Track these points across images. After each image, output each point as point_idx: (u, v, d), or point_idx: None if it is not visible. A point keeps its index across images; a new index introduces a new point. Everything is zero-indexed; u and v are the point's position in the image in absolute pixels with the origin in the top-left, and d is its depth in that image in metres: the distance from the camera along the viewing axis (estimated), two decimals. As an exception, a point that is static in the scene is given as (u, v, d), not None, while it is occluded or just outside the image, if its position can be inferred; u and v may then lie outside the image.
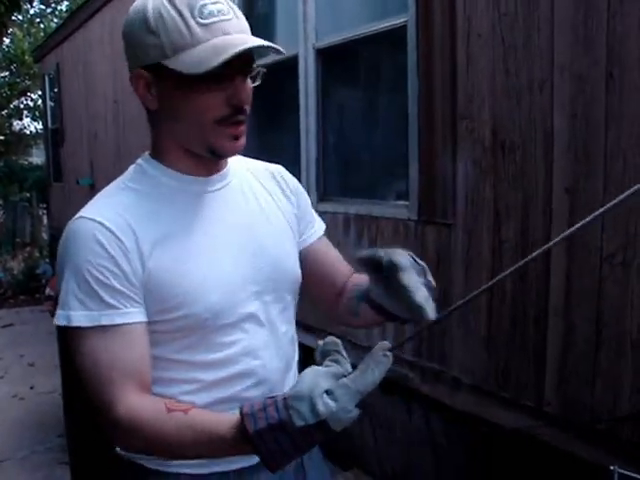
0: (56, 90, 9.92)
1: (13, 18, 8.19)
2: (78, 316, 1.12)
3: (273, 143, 4.38)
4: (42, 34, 17.67)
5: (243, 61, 1.14)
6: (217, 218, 1.26)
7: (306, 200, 1.48)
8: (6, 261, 11.56)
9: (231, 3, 1.17)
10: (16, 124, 20.12)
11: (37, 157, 21.02)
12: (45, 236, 13.75)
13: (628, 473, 1.77)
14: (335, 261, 1.50)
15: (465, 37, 2.71)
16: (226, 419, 1.05)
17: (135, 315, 1.15)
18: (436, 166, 2.87)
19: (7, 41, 17.57)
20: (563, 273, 2.36)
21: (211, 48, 1.09)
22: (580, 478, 2.30)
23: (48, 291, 4.09)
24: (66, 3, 18.99)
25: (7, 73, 18.55)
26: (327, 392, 0.97)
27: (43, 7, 19.03)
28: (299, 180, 1.50)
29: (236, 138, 1.19)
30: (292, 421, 0.97)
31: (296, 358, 1.42)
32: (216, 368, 1.23)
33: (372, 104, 3.58)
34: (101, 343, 1.12)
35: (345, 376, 1.00)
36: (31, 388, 5.31)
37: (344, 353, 1.05)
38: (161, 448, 1.11)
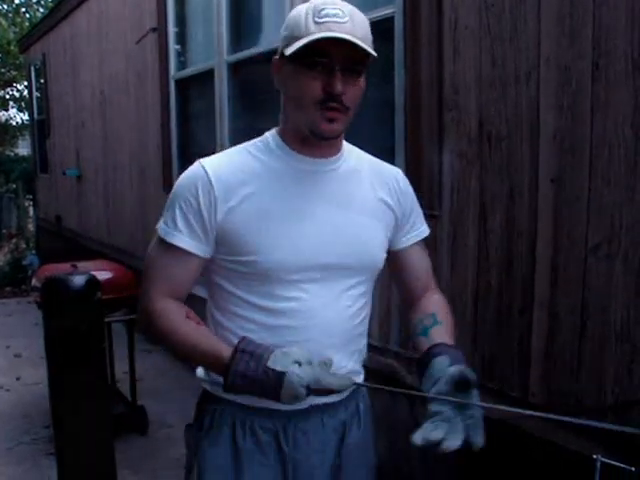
0: (42, 80, 9.85)
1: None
2: (161, 227, 1.47)
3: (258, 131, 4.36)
4: (27, 24, 17.52)
5: (345, 57, 1.34)
6: (312, 194, 1.47)
7: (413, 203, 1.67)
8: (-8, 253, 11.50)
9: (356, 12, 1.39)
10: (2, 115, 19.99)
11: (23, 148, 20.89)
12: (31, 227, 13.67)
13: (611, 462, 1.78)
14: (419, 272, 1.69)
15: (452, 28, 2.71)
16: (225, 343, 1.41)
17: (192, 246, 1.44)
18: (422, 157, 2.87)
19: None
20: (548, 264, 2.37)
21: (308, 38, 1.32)
22: (564, 467, 2.31)
23: (34, 282, 4.07)
24: None
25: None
26: (299, 364, 1.28)
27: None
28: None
29: (330, 121, 1.38)
30: (267, 359, 1.29)
31: (360, 347, 1.59)
32: (274, 315, 1.45)
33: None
34: (162, 253, 1.47)
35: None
36: (17, 379, 5.29)
37: (331, 369, 1.33)
38: (169, 340, 1.46)
